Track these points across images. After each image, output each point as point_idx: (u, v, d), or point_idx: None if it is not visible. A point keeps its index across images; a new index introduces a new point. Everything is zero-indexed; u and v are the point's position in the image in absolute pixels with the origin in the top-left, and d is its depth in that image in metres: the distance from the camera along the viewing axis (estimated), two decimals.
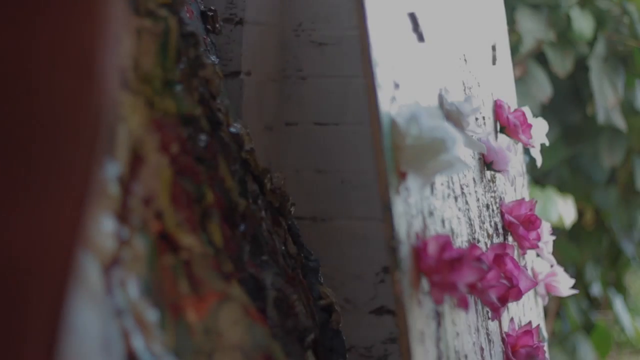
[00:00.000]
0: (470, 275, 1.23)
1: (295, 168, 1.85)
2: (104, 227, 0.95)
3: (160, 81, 1.17)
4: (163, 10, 1.19)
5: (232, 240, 1.24)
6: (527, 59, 3.01)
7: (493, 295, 1.35)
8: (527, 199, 1.83)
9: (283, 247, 1.45)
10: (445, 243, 1.23)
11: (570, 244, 3.38)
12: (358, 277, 1.85)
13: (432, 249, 1.22)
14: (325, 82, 1.86)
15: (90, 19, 0.64)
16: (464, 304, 1.21)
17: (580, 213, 3.40)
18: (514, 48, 2.94)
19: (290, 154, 1.84)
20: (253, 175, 1.41)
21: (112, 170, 0.99)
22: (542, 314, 1.96)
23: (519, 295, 1.51)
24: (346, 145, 1.83)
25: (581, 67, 3.08)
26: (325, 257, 1.83)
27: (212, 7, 1.62)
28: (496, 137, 1.73)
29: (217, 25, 1.61)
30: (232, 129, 1.37)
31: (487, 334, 1.51)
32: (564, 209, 3.12)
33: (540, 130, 1.80)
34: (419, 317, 1.20)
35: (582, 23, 2.94)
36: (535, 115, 2.82)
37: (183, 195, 1.13)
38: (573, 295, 3.07)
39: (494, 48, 1.81)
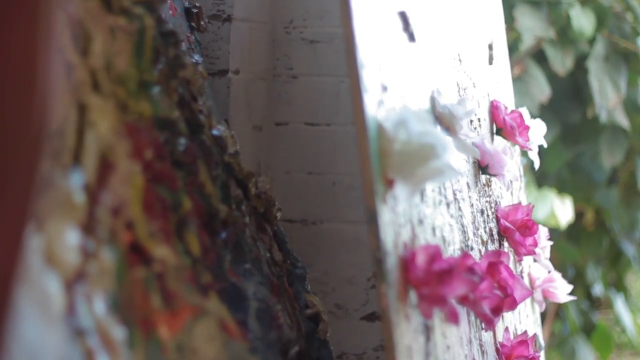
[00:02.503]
0: (461, 287, 1.17)
1: (285, 170, 1.80)
2: (67, 240, 0.89)
3: (135, 82, 1.11)
4: (139, 8, 1.13)
5: (211, 249, 1.18)
6: (526, 58, 2.95)
7: (486, 307, 1.30)
8: (524, 203, 1.78)
9: (268, 254, 1.39)
10: (435, 253, 1.18)
11: (571, 245, 3.32)
12: (349, 282, 1.79)
13: (420, 260, 1.17)
14: (317, 81, 1.81)
15: (34, 28, 0.60)
16: (454, 319, 1.15)
17: (581, 213, 3.35)
18: (513, 46, 2.88)
19: (280, 155, 1.79)
20: (237, 180, 1.35)
21: (77, 178, 0.93)
22: (539, 321, 1.90)
23: (513, 305, 1.45)
24: (338, 147, 1.78)
25: (581, 65, 3.03)
26: (316, 262, 1.77)
27: (196, 4, 1.56)
28: (492, 139, 1.68)
29: (202, 23, 1.55)
30: (215, 132, 1.31)
31: (481, 345, 1.45)
32: (559, 209, 3.07)
33: (538, 132, 1.74)
34: (407, 332, 1.14)
35: (583, 21, 2.88)
36: (534, 115, 2.77)
37: (157, 203, 1.07)
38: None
39: (490, 47, 1.75)
